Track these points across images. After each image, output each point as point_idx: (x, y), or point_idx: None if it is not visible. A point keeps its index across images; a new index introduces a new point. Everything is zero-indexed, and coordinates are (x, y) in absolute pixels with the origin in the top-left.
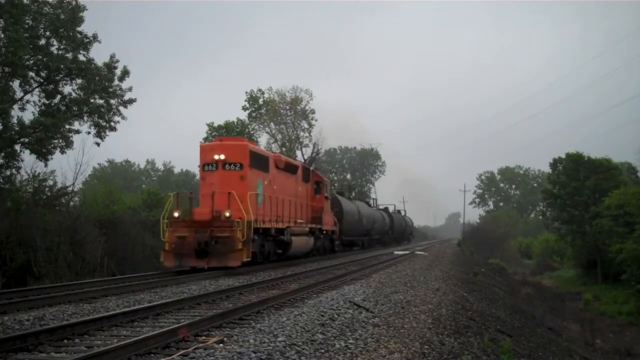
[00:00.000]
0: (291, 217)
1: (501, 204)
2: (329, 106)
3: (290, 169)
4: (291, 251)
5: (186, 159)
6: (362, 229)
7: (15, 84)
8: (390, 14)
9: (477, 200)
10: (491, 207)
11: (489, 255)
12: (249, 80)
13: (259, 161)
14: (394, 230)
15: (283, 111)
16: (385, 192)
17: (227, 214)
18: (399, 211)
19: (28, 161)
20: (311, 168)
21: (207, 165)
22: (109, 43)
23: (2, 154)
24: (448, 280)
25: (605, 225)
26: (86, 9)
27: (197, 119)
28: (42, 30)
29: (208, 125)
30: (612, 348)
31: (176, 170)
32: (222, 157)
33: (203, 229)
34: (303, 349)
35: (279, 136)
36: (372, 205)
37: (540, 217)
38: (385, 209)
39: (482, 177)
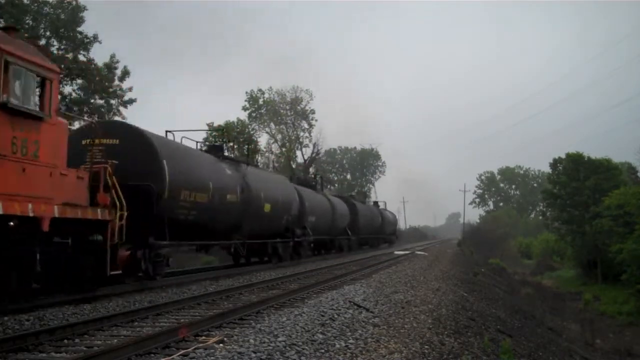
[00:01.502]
0: None
1: (501, 204)
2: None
3: None
4: None
5: None
6: (264, 223)
7: None
8: (390, 14)
9: (477, 200)
10: (491, 207)
11: (489, 255)
12: (249, 80)
13: None
14: (360, 229)
15: (283, 111)
16: (386, 192)
17: None
18: (375, 202)
19: None
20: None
21: None
22: (109, 42)
23: None
24: (448, 280)
25: (605, 225)
26: (86, 9)
27: (197, 119)
28: (42, 30)
29: (208, 125)
30: (612, 348)
31: None
32: None
33: None
34: (303, 349)
35: (279, 136)
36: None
37: (540, 217)
38: (349, 198)
39: (482, 177)
